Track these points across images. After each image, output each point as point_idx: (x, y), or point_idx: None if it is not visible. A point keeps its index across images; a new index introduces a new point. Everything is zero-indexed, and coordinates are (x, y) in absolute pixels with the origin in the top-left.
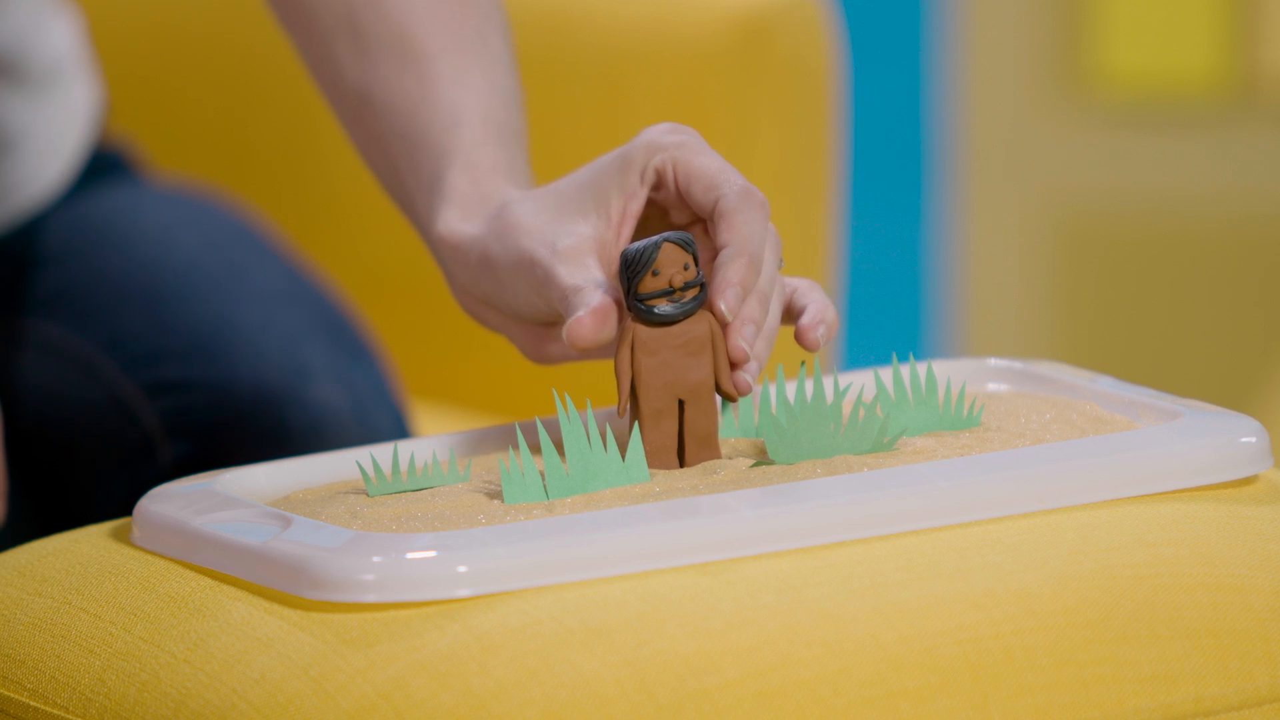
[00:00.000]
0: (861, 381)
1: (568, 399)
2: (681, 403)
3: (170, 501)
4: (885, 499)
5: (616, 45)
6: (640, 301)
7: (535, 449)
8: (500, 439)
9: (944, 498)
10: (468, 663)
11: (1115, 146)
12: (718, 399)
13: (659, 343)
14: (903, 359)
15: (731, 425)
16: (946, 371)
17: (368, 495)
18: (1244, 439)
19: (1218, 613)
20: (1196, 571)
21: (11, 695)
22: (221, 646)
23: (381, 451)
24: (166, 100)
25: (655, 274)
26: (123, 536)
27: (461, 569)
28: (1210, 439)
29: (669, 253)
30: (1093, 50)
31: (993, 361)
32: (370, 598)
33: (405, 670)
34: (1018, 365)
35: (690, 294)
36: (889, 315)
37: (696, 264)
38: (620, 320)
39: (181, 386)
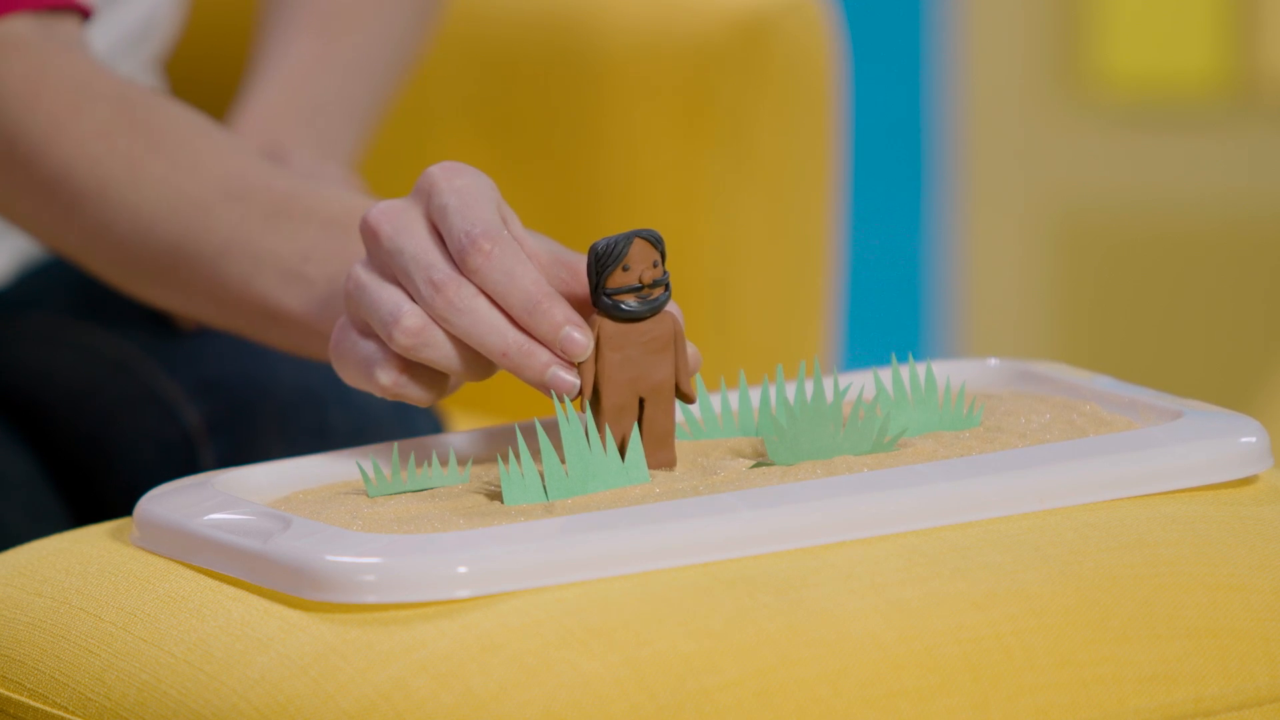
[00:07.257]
0: (861, 381)
1: (567, 400)
2: (642, 401)
3: (170, 502)
4: (885, 499)
5: (617, 45)
6: (608, 296)
7: (535, 450)
8: (500, 439)
9: (944, 498)
10: (468, 663)
11: (1115, 146)
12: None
13: (624, 339)
14: (903, 359)
15: (731, 425)
16: (946, 371)
17: (368, 495)
18: (1244, 439)
19: (1218, 613)
20: (1196, 571)
21: (11, 695)
22: (221, 647)
23: (381, 451)
24: None
25: (625, 269)
26: (123, 536)
27: (461, 569)
28: (1210, 439)
29: (640, 248)
30: (1093, 50)
31: (993, 361)
32: (370, 598)
33: (405, 670)
34: (1018, 365)
35: (657, 291)
36: (889, 315)
37: (663, 261)
38: None
39: (223, 384)
